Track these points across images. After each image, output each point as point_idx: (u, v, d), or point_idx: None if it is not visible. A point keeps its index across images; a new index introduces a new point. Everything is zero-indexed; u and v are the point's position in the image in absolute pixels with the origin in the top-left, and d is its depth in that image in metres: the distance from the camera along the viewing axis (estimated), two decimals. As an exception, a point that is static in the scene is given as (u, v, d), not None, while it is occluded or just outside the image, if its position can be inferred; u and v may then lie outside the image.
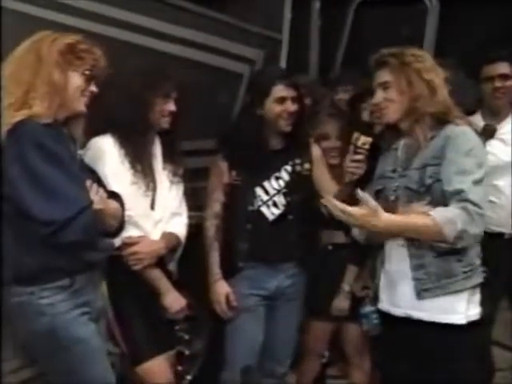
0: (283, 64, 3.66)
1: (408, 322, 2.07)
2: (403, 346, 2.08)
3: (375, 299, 2.39)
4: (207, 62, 3.19)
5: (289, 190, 2.54)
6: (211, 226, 2.54)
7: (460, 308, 2.02)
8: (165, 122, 2.36)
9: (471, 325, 2.03)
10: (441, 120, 2.06)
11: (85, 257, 1.95)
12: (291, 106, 2.48)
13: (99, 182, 2.09)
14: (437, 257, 2.01)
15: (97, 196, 1.93)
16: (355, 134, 2.23)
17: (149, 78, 2.32)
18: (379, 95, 2.11)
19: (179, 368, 3.19)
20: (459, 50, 3.97)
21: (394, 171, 2.14)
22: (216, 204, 2.55)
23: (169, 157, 2.43)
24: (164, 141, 2.43)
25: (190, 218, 2.54)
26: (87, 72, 1.96)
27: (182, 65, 3.00)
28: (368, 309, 2.52)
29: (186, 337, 3.21)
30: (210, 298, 2.54)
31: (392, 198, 2.09)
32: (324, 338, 2.86)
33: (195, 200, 2.66)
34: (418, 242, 2.02)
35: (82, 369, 1.94)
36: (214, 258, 2.52)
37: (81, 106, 1.97)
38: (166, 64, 2.77)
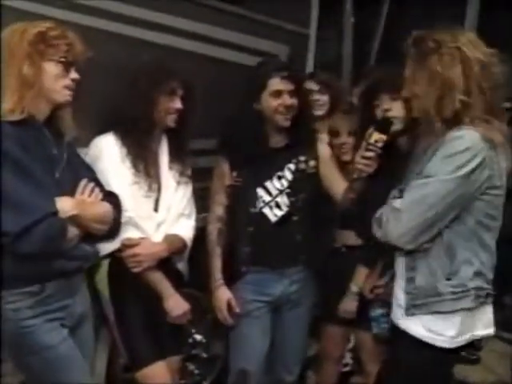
0: (311, 59, 3.54)
1: (398, 333, 1.95)
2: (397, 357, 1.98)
3: (385, 302, 2.27)
4: (228, 59, 3.10)
5: (292, 189, 2.42)
6: (213, 230, 2.45)
7: (447, 331, 1.87)
8: (170, 121, 2.29)
9: (458, 350, 1.89)
10: (450, 124, 1.85)
11: (53, 265, 1.89)
12: (288, 100, 2.35)
13: (97, 181, 2.05)
14: (427, 272, 1.88)
15: (71, 201, 1.86)
16: (369, 130, 2.11)
17: (153, 75, 2.25)
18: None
19: (196, 371, 3.15)
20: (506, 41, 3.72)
21: (419, 173, 1.96)
22: (219, 207, 2.46)
23: (176, 156, 2.36)
24: (171, 140, 2.36)
25: (200, 219, 2.48)
26: (63, 59, 1.88)
27: (202, 62, 2.93)
28: (378, 312, 2.39)
29: (204, 339, 3.15)
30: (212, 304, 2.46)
31: None
32: (338, 343, 2.76)
33: (206, 201, 2.59)
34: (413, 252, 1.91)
35: (52, 375, 1.90)
36: (216, 264, 2.43)
37: (63, 95, 1.91)
38: (183, 61, 2.70)
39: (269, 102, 2.36)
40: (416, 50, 1.87)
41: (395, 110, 2.30)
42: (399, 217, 1.84)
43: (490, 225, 1.89)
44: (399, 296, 1.95)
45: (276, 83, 2.35)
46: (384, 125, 2.12)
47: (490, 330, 1.94)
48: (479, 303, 1.89)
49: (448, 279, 1.86)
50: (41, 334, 1.88)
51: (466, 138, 1.81)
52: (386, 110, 2.31)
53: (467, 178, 1.80)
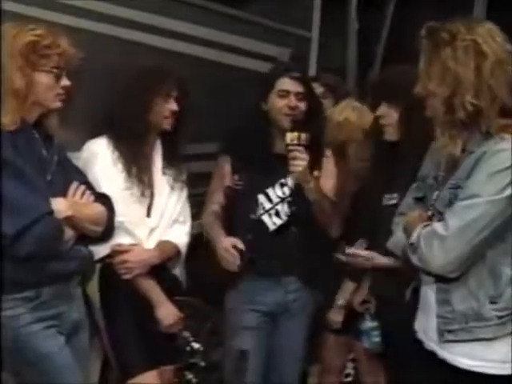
0: (313, 63, 3.50)
1: (435, 358, 1.73)
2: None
3: (376, 315, 2.19)
4: (229, 63, 3.07)
5: (294, 198, 2.35)
6: (209, 217, 2.39)
7: (494, 355, 1.66)
8: (166, 123, 2.24)
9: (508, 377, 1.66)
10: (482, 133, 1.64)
11: (51, 268, 1.86)
12: (294, 101, 2.29)
13: (88, 184, 2.02)
14: (467, 295, 1.67)
15: (65, 202, 1.84)
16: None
17: (147, 77, 2.21)
18: None
19: (194, 380, 3.09)
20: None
21: (435, 177, 1.78)
22: (215, 205, 2.40)
23: (170, 161, 2.30)
24: (165, 144, 2.31)
25: (196, 226, 2.42)
26: (55, 70, 1.86)
27: (202, 66, 2.89)
28: (368, 325, 2.30)
29: (202, 348, 3.09)
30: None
31: (429, 213, 1.76)
32: (339, 352, 2.70)
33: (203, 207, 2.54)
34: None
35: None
36: (218, 231, 2.33)
37: (54, 103, 1.89)
38: (183, 65, 2.67)
39: (275, 102, 2.32)
40: (429, 42, 1.66)
41: (389, 117, 2.20)
42: (445, 244, 1.62)
43: None
44: (430, 320, 1.74)
45: (284, 83, 2.31)
46: (293, 124, 2.20)
47: None
48: None
49: (493, 302, 1.65)
50: (39, 342, 1.85)
51: (509, 151, 1.61)
52: (380, 117, 2.21)
53: None
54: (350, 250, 2.22)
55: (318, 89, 2.92)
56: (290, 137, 2.16)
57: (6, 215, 1.73)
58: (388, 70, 2.39)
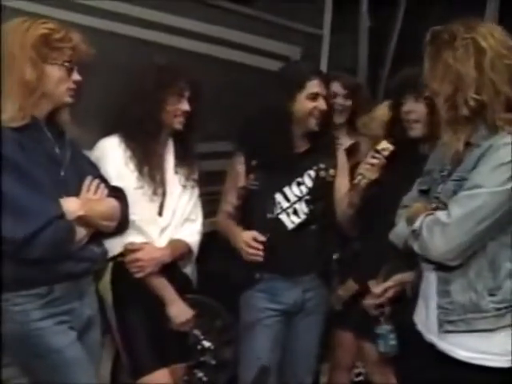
0: (324, 61, 3.48)
1: (435, 351, 1.76)
2: (428, 376, 1.79)
3: (392, 317, 2.18)
4: (239, 61, 3.06)
5: (312, 197, 2.36)
6: (222, 223, 2.42)
7: (493, 348, 1.68)
8: (178, 123, 2.24)
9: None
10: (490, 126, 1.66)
11: (63, 268, 1.86)
12: (323, 105, 2.31)
13: (101, 178, 2.03)
14: (466, 286, 1.70)
15: (77, 202, 1.84)
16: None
17: (160, 75, 2.21)
18: None
19: (204, 379, 3.10)
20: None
21: (441, 171, 1.81)
22: (228, 205, 2.41)
23: (182, 160, 2.31)
24: (177, 143, 2.32)
25: (208, 224, 2.43)
26: (66, 64, 1.86)
27: (212, 64, 2.89)
28: (384, 328, 2.28)
29: (212, 346, 3.09)
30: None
31: (433, 205, 1.78)
32: (349, 350, 2.67)
33: (214, 205, 2.54)
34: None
35: (58, 379, 1.87)
36: (234, 228, 2.37)
37: (65, 97, 1.89)
38: (193, 63, 2.67)
39: (304, 104, 2.31)
40: (432, 46, 1.71)
41: (417, 112, 2.23)
42: (447, 232, 1.66)
43: None
44: (430, 311, 1.77)
45: (314, 85, 2.32)
46: (394, 134, 2.10)
47: None
48: None
49: (491, 295, 1.68)
50: (49, 337, 1.86)
51: None
52: (408, 113, 2.23)
53: None
54: (376, 290, 2.26)
55: (341, 90, 2.89)
56: (383, 145, 2.11)
57: (14, 220, 1.72)
58: (416, 67, 2.39)
